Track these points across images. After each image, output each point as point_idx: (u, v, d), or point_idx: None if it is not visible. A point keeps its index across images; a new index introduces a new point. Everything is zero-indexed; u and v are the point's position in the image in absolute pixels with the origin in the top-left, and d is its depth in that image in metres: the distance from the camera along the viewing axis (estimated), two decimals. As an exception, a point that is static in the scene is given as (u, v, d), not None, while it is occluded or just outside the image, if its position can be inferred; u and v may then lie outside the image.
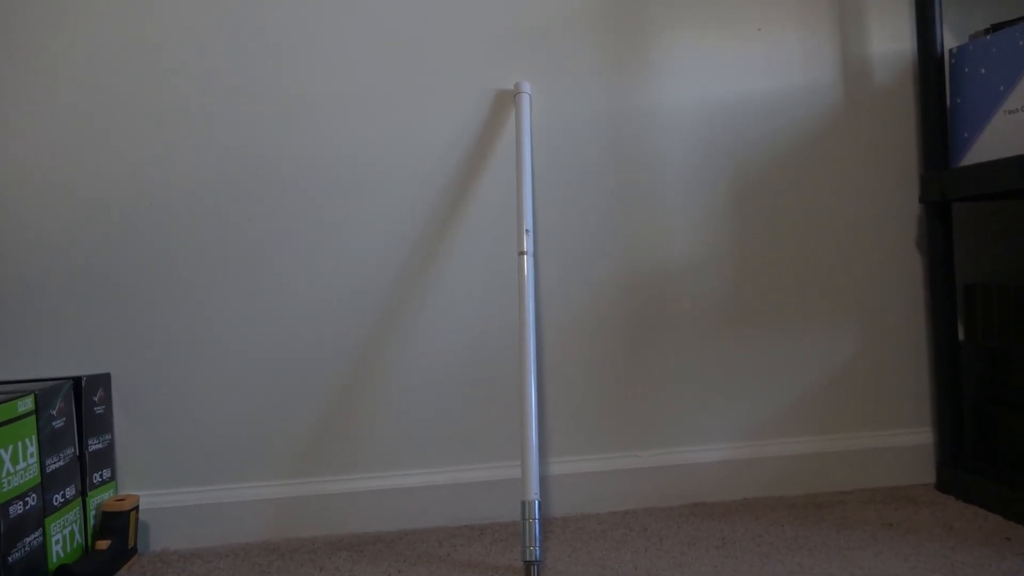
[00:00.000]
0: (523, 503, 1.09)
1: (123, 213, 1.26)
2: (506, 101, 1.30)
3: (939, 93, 1.27)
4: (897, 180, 1.35)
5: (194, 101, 1.27)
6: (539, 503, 1.09)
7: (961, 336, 1.34)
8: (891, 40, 1.34)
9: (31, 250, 1.25)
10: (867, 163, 1.34)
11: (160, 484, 1.27)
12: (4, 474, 0.97)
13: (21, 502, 1.01)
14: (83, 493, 1.17)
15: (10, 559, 0.97)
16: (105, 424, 1.23)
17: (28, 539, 1.02)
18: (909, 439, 1.35)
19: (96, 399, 1.21)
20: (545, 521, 1.27)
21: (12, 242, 1.25)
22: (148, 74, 1.26)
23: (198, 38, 1.26)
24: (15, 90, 1.25)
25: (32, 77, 1.25)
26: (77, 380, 1.17)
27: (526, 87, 1.28)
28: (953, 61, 1.27)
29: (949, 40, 1.35)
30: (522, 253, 1.20)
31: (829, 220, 1.34)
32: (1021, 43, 1.16)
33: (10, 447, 0.99)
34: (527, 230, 1.21)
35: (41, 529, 1.05)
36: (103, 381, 1.23)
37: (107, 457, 1.23)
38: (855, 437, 1.35)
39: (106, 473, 1.22)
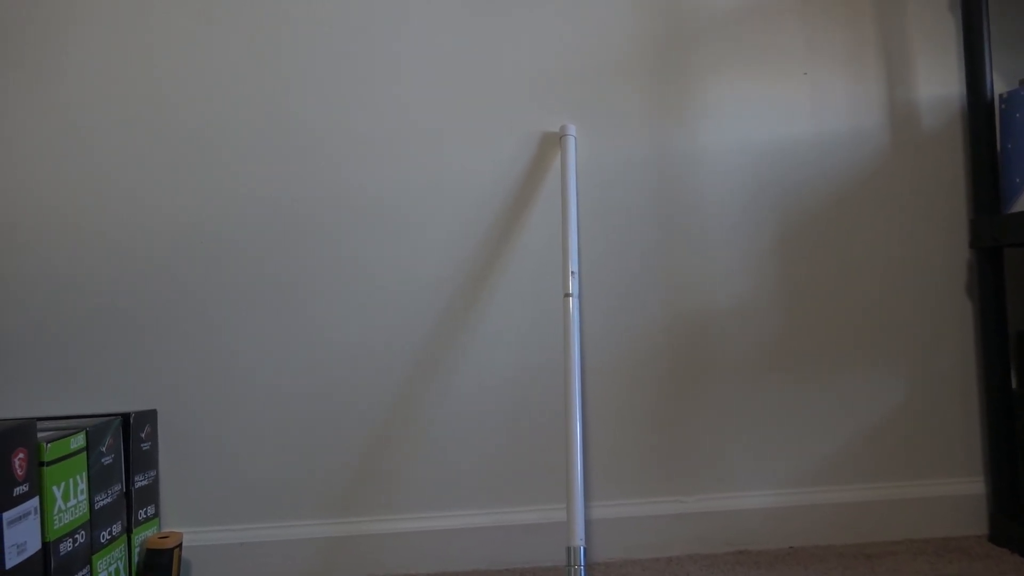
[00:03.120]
0: (569, 549, 1.08)
1: (161, 253, 1.28)
2: (552, 143, 1.31)
3: (990, 138, 1.26)
4: (945, 226, 1.33)
5: (234, 141, 1.29)
6: (585, 549, 1.08)
7: (1014, 384, 1.31)
8: (939, 85, 1.34)
9: (73, 291, 1.27)
10: (915, 208, 1.33)
11: (202, 521, 1.28)
12: (56, 511, 0.98)
13: (71, 539, 1.01)
14: (128, 530, 1.18)
15: (59, 597, 0.98)
16: (151, 460, 1.24)
17: (76, 576, 1.02)
18: (961, 488, 1.32)
19: (143, 435, 1.22)
20: (588, 566, 1.25)
21: (55, 283, 1.27)
22: (179, 112, 1.29)
23: (240, 77, 1.29)
24: (44, 132, 1.28)
25: (56, 116, 1.28)
26: (126, 416, 1.18)
27: (572, 130, 1.29)
28: (1003, 106, 1.26)
29: (999, 85, 1.34)
30: (568, 295, 1.20)
31: (876, 265, 1.33)
32: (1074, 89, 1.15)
33: (62, 484, 1.00)
34: (572, 272, 1.21)
35: (88, 567, 1.06)
36: (150, 418, 1.24)
37: (152, 493, 1.24)
38: (904, 486, 1.32)
39: (151, 510, 1.23)
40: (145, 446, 1.22)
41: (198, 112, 1.29)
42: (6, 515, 0.88)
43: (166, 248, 1.28)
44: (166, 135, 1.29)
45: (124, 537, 1.16)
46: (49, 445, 0.97)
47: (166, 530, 1.27)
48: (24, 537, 0.91)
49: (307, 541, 1.27)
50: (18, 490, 0.90)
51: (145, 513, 1.21)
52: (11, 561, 0.88)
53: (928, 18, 1.35)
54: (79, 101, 1.28)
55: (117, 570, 1.13)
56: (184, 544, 1.25)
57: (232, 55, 1.29)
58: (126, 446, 1.18)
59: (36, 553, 0.94)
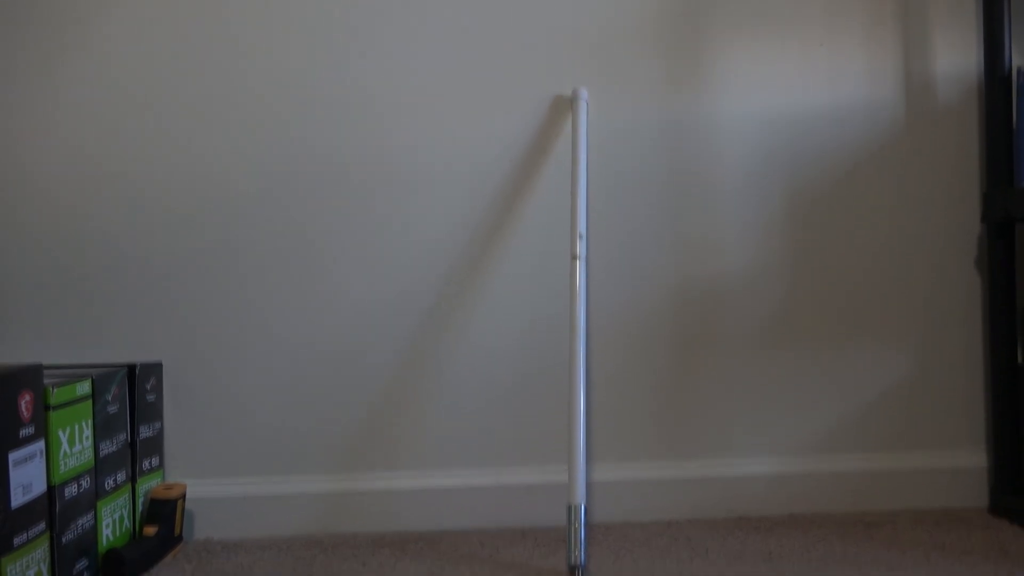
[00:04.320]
0: (569, 507, 1.09)
1: (178, 206, 1.28)
2: (563, 106, 1.30)
3: (1006, 111, 1.25)
4: (958, 199, 1.33)
5: (252, 93, 1.28)
6: (585, 508, 1.08)
7: (1020, 358, 1.31)
8: (956, 58, 1.32)
9: (86, 237, 1.27)
10: (927, 181, 1.32)
11: (206, 474, 1.29)
12: (62, 455, 0.99)
13: (76, 484, 1.02)
14: (133, 479, 1.19)
15: (64, 539, 0.99)
16: (156, 412, 1.24)
17: (81, 521, 1.03)
18: (962, 461, 1.33)
19: (149, 387, 1.22)
20: (588, 527, 1.26)
21: (69, 228, 1.27)
22: (203, 60, 1.28)
23: (264, 33, 1.28)
24: (71, 80, 1.27)
25: (88, 66, 1.27)
26: (131, 367, 1.19)
27: (583, 93, 1.28)
28: (1021, 80, 1.25)
29: (1017, 59, 1.32)
30: (575, 257, 1.20)
31: (887, 237, 1.32)
32: (1094, 61, 1.14)
33: (68, 429, 1.00)
34: (581, 234, 1.20)
35: (93, 512, 1.06)
36: (155, 370, 1.25)
37: (156, 445, 1.24)
38: (906, 457, 1.33)
39: (155, 460, 1.24)
40: (150, 398, 1.23)
41: (226, 60, 1.28)
42: (12, 455, 0.89)
43: (181, 196, 1.28)
44: (193, 79, 1.28)
45: (128, 486, 1.17)
46: (55, 390, 0.98)
47: (170, 481, 1.28)
48: (29, 478, 0.92)
49: (310, 496, 1.28)
50: (24, 432, 0.91)
51: (149, 464, 1.22)
52: (16, 501, 0.89)
53: (947, -12, 1.33)
54: (96, 42, 1.27)
55: (121, 518, 1.14)
56: (188, 496, 1.26)
57: (259, 12, 1.28)
58: (131, 397, 1.18)
59: (41, 495, 0.94)
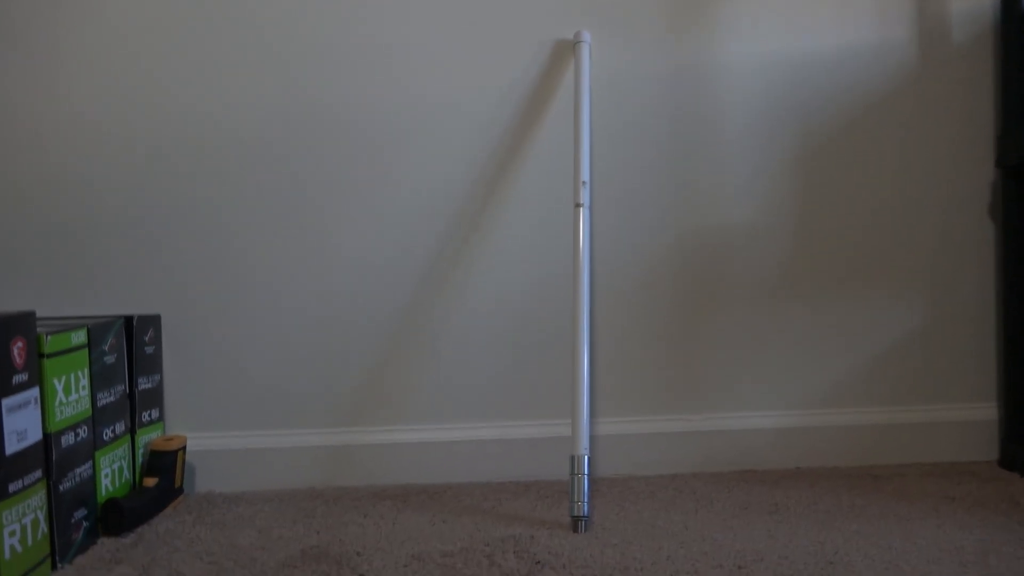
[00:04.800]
0: (572, 458, 1.07)
1: (176, 159, 1.26)
2: (565, 51, 1.27)
3: (1021, 52, 1.21)
4: (972, 144, 1.29)
5: (248, 46, 1.25)
6: (588, 458, 1.07)
7: (1033, 309, 1.28)
8: (971, -3, 1.28)
9: (84, 192, 1.25)
10: (940, 125, 1.29)
11: (207, 427, 1.28)
12: (57, 404, 0.98)
13: (73, 433, 1.01)
14: (132, 431, 1.18)
15: (61, 487, 0.98)
16: (155, 364, 1.23)
17: (79, 470, 1.02)
18: (972, 414, 1.30)
19: (147, 339, 1.21)
20: (592, 480, 1.24)
21: (67, 183, 1.25)
22: (200, 12, 1.25)
23: (257, -21, 1.25)
24: (66, 32, 1.24)
25: (85, 18, 1.24)
26: (128, 318, 1.17)
27: (586, 37, 1.24)
28: (1039, 18, 1.21)
29: (1035, -3, 1.28)
30: (578, 205, 1.17)
31: (897, 184, 1.29)
32: (1116, -3, 1.10)
33: (63, 377, 0.99)
34: (584, 182, 1.18)
35: (91, 462, 1.06)
36: (154, 322, 1.23)
37: (156, 397, 1.23)
38: (915, 410, 1.31)
39: (155, 413, 1.23)
40: (149, 350, 1.22)
41: (222, 11, 1.25)
42: (5, 402, 0.87)
43: (180, 152, 1.26)
44: (190, 32, 1.25)
45: (127, 437, 1.16)
46: (49, 337, 0.96)
47: (170, 434, 1.27)
48: (24, 425, 0.91)
49: (311, 449, 1.27)
50: (17, 378, 0.90)
51: (149, 416, 1.21)
52: (11, 447, 0.88)
53: (964, -73, 1.29)
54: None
55: (120, 468, 1.13)
56: (189, 448, 1.25)
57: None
58: (129, 347, 1.17)
59: (37, 443, 0.93)
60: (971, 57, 1.28)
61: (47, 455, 0.96)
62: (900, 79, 1.28)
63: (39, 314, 1.22)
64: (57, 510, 0.97)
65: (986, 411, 1.31)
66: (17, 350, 0.90)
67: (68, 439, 1.00)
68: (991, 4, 1.28)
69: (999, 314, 1.30)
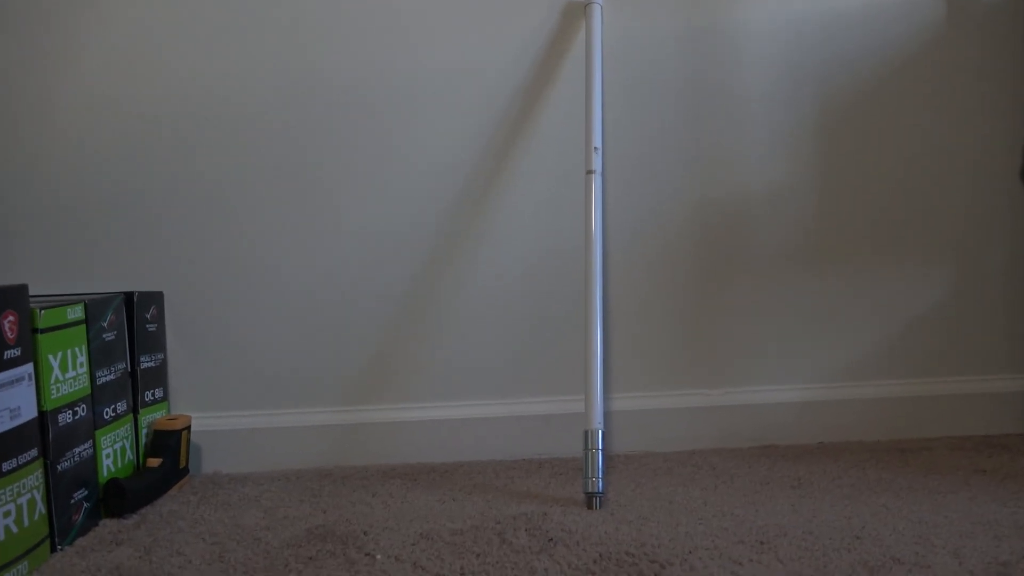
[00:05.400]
0: (586, 432, 1.03)
1: (177, 132, 1.22)
2: (576, 13, 1.22)
3: (1056, 4, 1.16)
4: (1002, 107, 1.23)
5: (250, 16, 1.21)
6: (603, 432, 1.03)
7: (1067, 275, 1.23)
8: (1002, -52, 1.22)
9: (83, 167, 1.22)
10: (970, 86, 1.23)
11: (213, 407, 1.25)
12: (53, 381, 0.95)
13: (70, 411, 0.98)
14: (135, 410, 1.15)
15: (59, 467, 0.95)
16: (158, 343, 1.20)
17: (78, 449, 0.99)
18: (1002, 385, 1.25)
19: (149, 316, 1.18)
20: (607, 457, 1.20)
21: (65, 159, 1.22)
22: (203, -19, 1.21)
23: (255, -57, 1.21)
24: (65, 7, 1.21)
25: (86, -17, 1.21)
26: (129, 295, 1.14)
27: (598, -2, 1.19)
28: (1074, -32, 1.15)
29: (1069, -53, 1.22)
30: (590, 172, 1.13)
31: (926, 148, 1.24)
32: None
33: (59, 354, 0.96)
34: (596, 147, 1.13)
35: (91, 441, 1.03)
36: (156, 299, 1.20)
37: (159, 376, 1.20)
38: (942, 382, 1.26)
39: (158, 392, 1.20)
40: (151, 327, 1.19)
41: (200, -23, 1.21)
42: (-3, 377, 0.84)
43: (182, 125, 1.22)
44: (191, 4, 1.21)
45: (130, 417, 1.13)
46: (43, 312, 0.93)
47: (175, 413, 1.24)
48: (17, 402, 0.88)
49: (319, 428, 1.24)
50: (8, 354, 0.86)
51: (152, 395, 1.18)
52: (3, 425, 0.85)
53: None
54: (75, -35, 1.21)
55: (123, 448, 1.11)
56: (194, 428, 1.22)
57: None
58: (130, 325, 1.14)
59: (32, 420, 0.90)
60: (1002, 15, 1.22)
61: (43, 434, 0.93)
62: (927, 39, 1.22)
63: (39, 291, 1.20)
64: (55, 490, 0.94)
65: (1017, 383, 1.26)
66: (8, 324, 0.87)
67: (66, 417, 0.97)
68: (1023, -45, 1.22)
69: (1031, 281, 1.24)
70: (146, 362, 1.17)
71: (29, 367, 0.90)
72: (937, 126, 1.24)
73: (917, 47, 1.23)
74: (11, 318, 0.87)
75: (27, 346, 0.90)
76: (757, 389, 1.26)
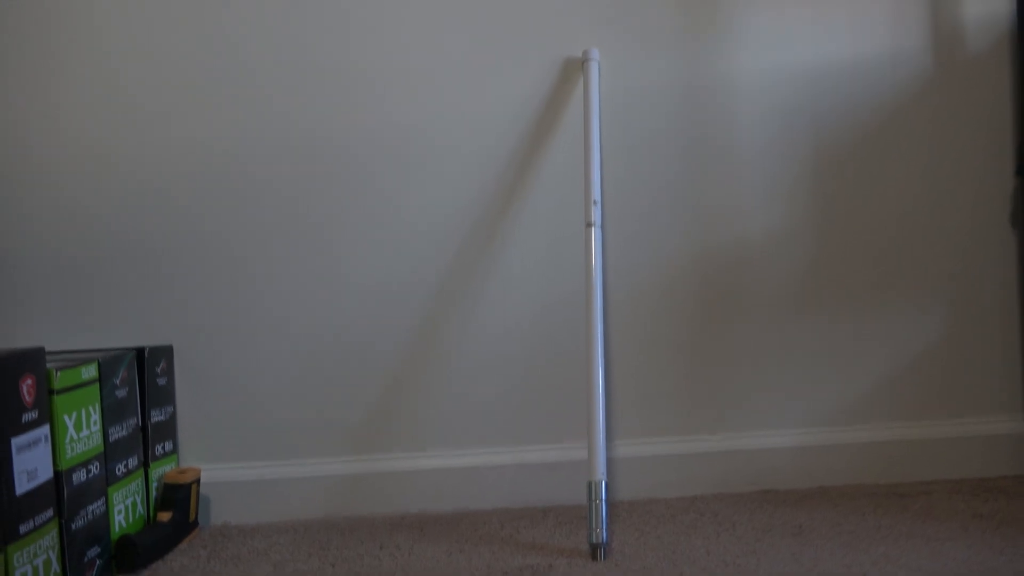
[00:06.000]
0: (589, 483, 1.05)
1: (185, 187, 1.25)
2: (574, 69, 1.26)
3: (1039, 58, 1.19)
4: (990, 152, 1.26)
5: (253, 74, 1.25)
6: (606, 484, 1.05)
7: (1058, 319, 1.25)
8: (985, 2, 1.26)
9: (94, 224, 1.25)
10: (958, 133, 1.26)
11: (221, 458, 1.27)
12: (68, 440, 0.97)
13: (84, 470, 1.00)
14: (145, 464, 1.17)
15: (73, 526, 0.97)
16: (168, 396, 1.22)
17: (91, 507, 1.01)
18: (999, 428, 1.27)
19: (159, 371, 1.20)
20: (611, 504, 1.22)
21: (77, 216, 1.25)
22: (206, 47, 1.25)
23: (259, 10, 1.25)
24: (75, 74, 1.24)
25: (90, 60, 1.24)
26: (140, 351, 1.17)
27: (595, 54, 1.23)
28: (1055, 23, 1.18)
29: (1050, 1, 1.26)
30: (590, 225, 1.16)
31: (916, 194, 1.27)
32: None
33: (74, 413, 0.98)
34: (595, 201, 1.16)
35: (104, 498, 1.05)
36: (166, 353, 1.23)
37: (169, 429, 1.22)
38: (940, 424, 1.28)
39: (168, 445, 1.22)
40: (161, 381, 1.21)
41: (227, 45, 1.25)
42: (15, 441, 0.87)
43: (189, 181, 1.25)
44: (196, 67, 1.25)
45: (141, 471, 1.15)
46: (59, 373, 0.96)
47: (184, 466, 1.26)
48: (34, 464, 0.90)
49: (326, 478, 1.26)
50: (27, 416, 0.89)
51: (163, 448, 1.20)
52: (21, 487, 0.87)
53: (975, -68, 1.26)
54: (110, 31, 1.24)
55: (134, 503, 1.12)
56: (203, 480, 1.24)
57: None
58: (141, 380, 1.16)
59: (48, 481, 0.92)
60: (988, 65, 1.26)
61: (58, 493, 0.95)
62: (916, 88, 1.26)
63: (50, 347, 1.22)
64: (70, 549, 0.96)
65: (1013, 424, 1.28)
66: (27, 388, 0.89)
67: (80, 476, 0.99)
68: (1007, 11, 1.25)
69: (1022, 324, 1.27)
70: (156, 416, 1.19)
71: (46, 428, 0.93)
72: (927, 173, 1.27)
73: (906, 97, 1.26)
74: (29, 381, 0.90)
75: (44, 408, 0.92)
76: (757, 434, 1.28)
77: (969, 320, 1.28)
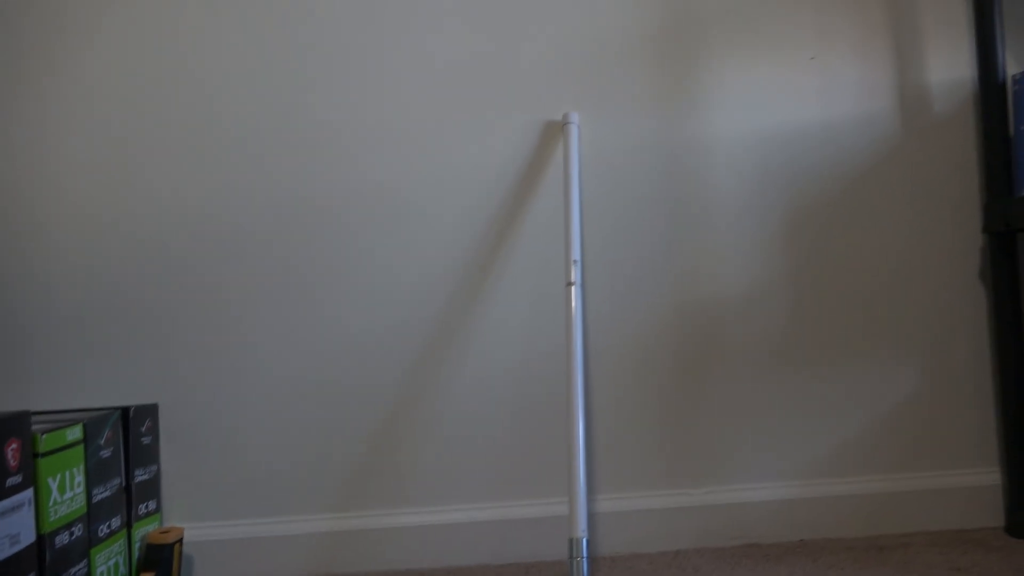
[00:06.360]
0: (570, 540, 1.06)
1: (169, 245, 1.27)
2: (554, 132, 1.29)
3: (1002, 120, 1.23)
4: (958, 211, 1.30)
5: (240, 134, 1.28)
6: (587, 540, 1.06)
7: (1029, 372, 1.28)
8: (950, 67, 1.31)
9: (78, 281, 1.27)
10: (926, 193, 1.30)
11: (205, 516, 1.27)
12: (52, 503, 0.97)
13: (67, 532, 1.00)
14: (128, 524, 1.17)
15: (55, 590, 0.97)
16: (152, 455, 1.23)
17: (73, 570, 1.01)
18: (976, 480, 1.29)
19: (143, 429, 1.21)
20: (593, 560, 1.23)
21: (60, 272, 1.26)
22: (193, 105, 1.28)
23: (246, 70, 1.28)
24: (58, 121, 1.27)
25: (76, 108, 1.27)
26: (125, 410, 1.17)
27: (575, 118, 1.27)
28: (1016, 87, 1.23)
29: (1012, 66, 1.31)
30: (570, 284, 1.18)
31: (887, 252, 1.30)
32: (1089, 67, 1.12)
33: (58, 476, 0.99)
34: (575, 260, 1.19)
35: (86, 560, 1.05)
36: (151, 412, 1.23)
37: (153, 488, 1.23)
38: (917, 477, 1.30)
39: (151, 505, 1.22)
40: (146, 440, 1.21)
41: (205, 103, 1.28)
42: (-2, 506, 0.87)
43: (171, 239, 1.27)
44: (174, 125, 1.28)
45: (124, 532, 1.15)
46: (44, 436, 0.96)
47: (167, 525, 1.26)
48: (17, 528, 0.90)
49: (310, 536, 1.26)
50: (11, 481, 0.89)
51: (146, 508, 1.20)
52: (3, 553, 0.87)
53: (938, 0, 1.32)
54: (82, 85, 1.27)
55: (116, 564, 1.12)
56: (186, 539, 1.24)
57: (241, 49, 1.28)
58: (126, 440, 1.17)
59: (30, 545, 0.93)
60: (953, 126, 1.30)
61: (40, 557, 0.95)
62: (886, 150, 1.30)
63: (33, 407, 1.23)
64: (51, 613, 0.96)
65: (990, 476, 1.29)
66: (11, 452, 0.90)
67: (63, 539, 0.99)
68: (970, 76, 1.30)
69: (995, 377, 1.30)
70: (140, 475, 1.19)
71: (29, 492, 0.93)
72: (899, 231, 1.30)
73: (876, 157, 1.30)
74: (14, 445, 0.90)
75: (28, 471, 0.93)
76: (738, 487, 1.29)
77: (944, 373, 1.30)
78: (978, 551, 1.18)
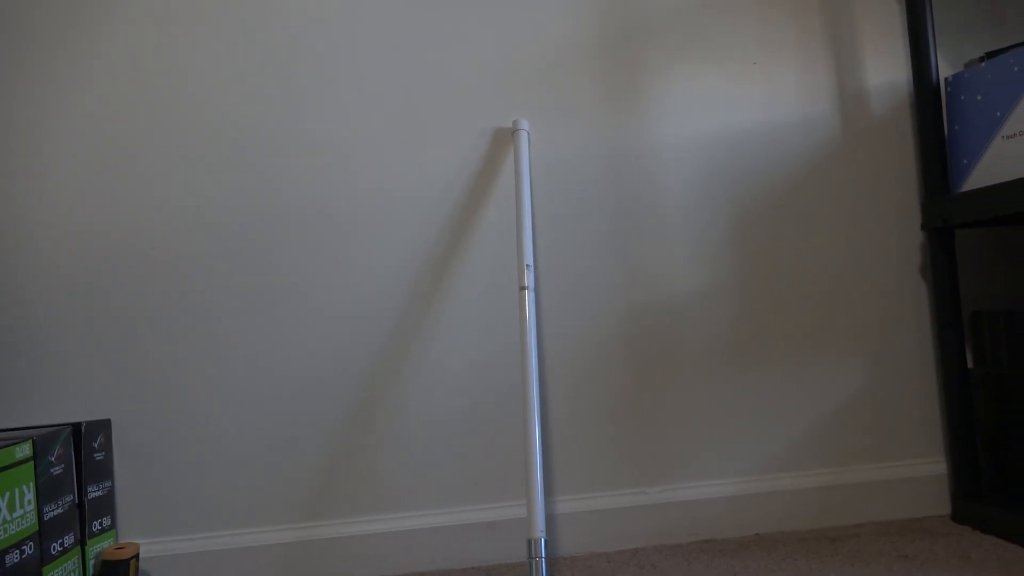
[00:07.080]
0: (529, 541, 1.07)
1: (122, 258, 1.26)
2: (505, 139, 1.31)
3: (937, 121, 1.28)
4: (898, 209, 1.35)
5: (187, 152, 1.27)
6: (545, 541, 1.07)
7: (970, 363, 1.32)
8: (887, 71, 1.35)
9: (25, 295, 1.25)
10: (867, 193, 1.34)
11: (161, 531, 1.25)
12: (1, 522, 0.96)
13: (18, 551, 0.99)
14: (82, 542, 1.15)
15: (6, 609, 0.95)
16: (105, 471, 1.21)
17: (25, 589, 1.00)
18: (922, 470, 1.33)
19: (96, 445, 1.19)
20: (552, 561, 1.24)
21: (10, 286, 1.25)
22: (159, 117, 1.27)
23: (222, 86, 1.28)
24: (22, 133, 1.25)
25: (44, 117, 1.26)
26: (77, 426, 1.16)
27: (524, 124, 1.28)
28: (949, 89, 1.27)
29: (944, 69, 1.36)
30: (523, 288, 1.19)
31: (831, 251, 1.34)
32: (1016, 69, 1.16)
33: (7, 494, 0.97)
34: (528, 265, 1.20)
35: (39, 578, 1.03)
36: (103, 427, 1.22)
37: (107, 504, 1.21)
38: (866, 469, 1.33)
39: (106, 521, 1.20)
40: (99, 456, 1.20)
41: (171, 116, 1.27)
42: (-54, 525, 0.86)
43: (123, 252, 1.26)
44: (137, 137, 1.27)
45: (77, 549, 1.14)
46: (-8, 454, 0.95)
47: (123, 541, 1.24)
48: (-34, 548, 0.89)
49: (267, 547, 1.25)
50: (-41, 500, 0.88)
51: (100, 524, 1.19)
52: (-48, 573, 0.86)
53: (874, 6, 1.36)
54: (58, 92, 1.26)
55: (70, 582, 1.11)
56: (142, 555, 1.22)
57: (216, 66, 1.28)
58: (78, 456, 1.15)
59: (-20, 565, 0.91)
60: (891, 127, 1.35)
61: (-9, 577, 0.94)
62: (827, 151, 1.34)
63: (-16, 426, 1.21)
64: (3, 633, 0.94)
65: (936, 466, 1.33)
66: (-42, 471, 0.89)
67: (13, 558, 0.98)
68: (906, 79, 1.35)
69: (938, 370, 1.34)
70: (94, 492, 1.18)
71: (-22, 511, 0.92)
72: (840, 228, 1.34)
73: (819, 158, 1.34)
74: (-39, 464, 0.89)
75: (-24, 490, 0.92)
76: (693, 484, 1.31)
77: (889, 368, 1.34)
78: (925, 539, 1.21)
